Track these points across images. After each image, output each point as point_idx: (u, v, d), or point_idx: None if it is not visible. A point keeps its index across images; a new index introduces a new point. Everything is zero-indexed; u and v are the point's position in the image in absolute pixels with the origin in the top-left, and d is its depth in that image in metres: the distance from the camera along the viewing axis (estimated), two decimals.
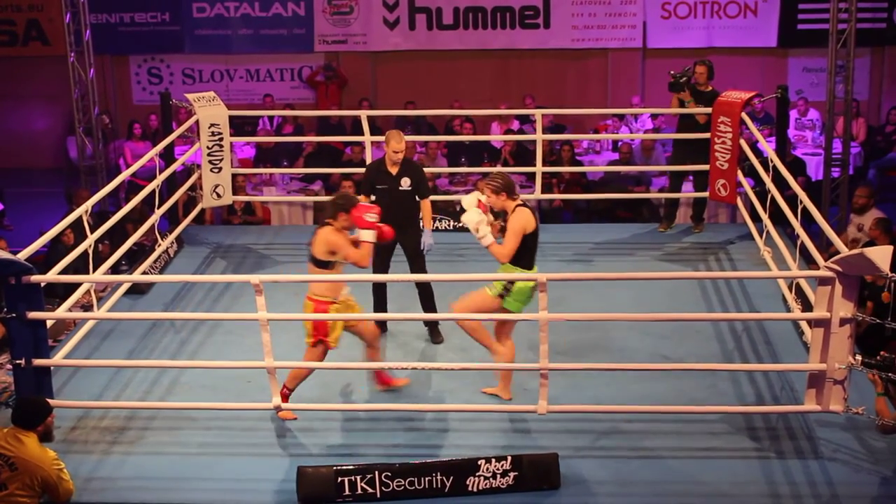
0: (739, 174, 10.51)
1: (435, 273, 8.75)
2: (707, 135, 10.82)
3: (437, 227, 11.22)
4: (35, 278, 6.91)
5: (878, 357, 6.90)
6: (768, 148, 9.94)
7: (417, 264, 8.44)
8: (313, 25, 17.66)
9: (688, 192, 11.37)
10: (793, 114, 15.80)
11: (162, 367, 7.97)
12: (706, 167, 10.88)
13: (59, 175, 16.50)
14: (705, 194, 10.91)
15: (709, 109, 10.80)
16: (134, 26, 17.78)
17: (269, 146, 14.67)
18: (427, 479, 6.41)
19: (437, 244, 10.74)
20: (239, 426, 7.18)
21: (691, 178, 11.26)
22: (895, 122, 15.84)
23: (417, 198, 8.51)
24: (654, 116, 15.44)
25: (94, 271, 8.50)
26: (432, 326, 8.51)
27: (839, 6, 12.41)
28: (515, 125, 15.77)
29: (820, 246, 9.45)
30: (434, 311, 8.37)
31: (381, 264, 8.38)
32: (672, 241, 10.81)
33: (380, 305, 8.54)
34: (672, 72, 10.92)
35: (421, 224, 8.60)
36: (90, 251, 8.37)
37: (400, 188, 8.41)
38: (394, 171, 8.43)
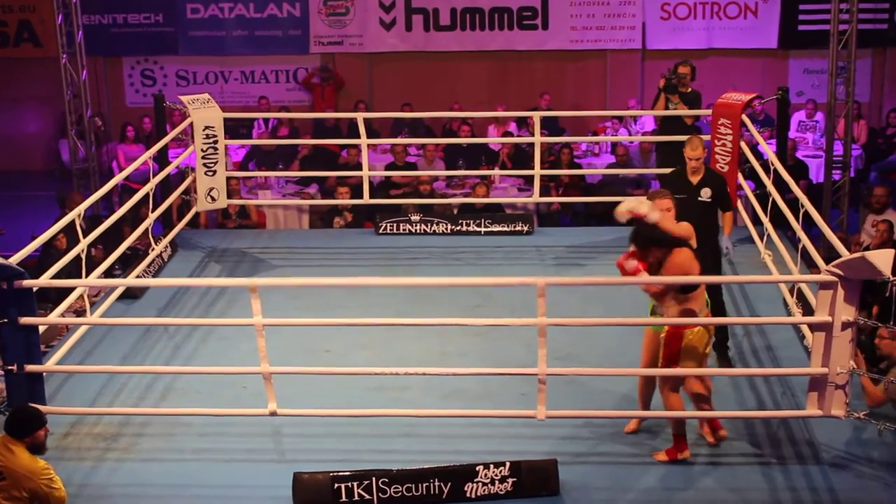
0: (740, 177, 10.52)
1: (432, 277, 8.77)
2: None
3: (434, 231, 11.25)
4: (27, 283, 6.90)
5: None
6: (769, 150, 9.96)
7: (710, 274, 7.71)
8: (309, 26, 17.68)
9: None
10: (799, 115, 15.84)
11: (156, 372, 7.97)
12: None
13: (52, 178, 16.48)
14: None
15: (697, 111, 10.88)
16: (127, 27, 17.80)
17: (265, 149, 14.66)
18: (425, 485, 6.41)
19: (433, 248, 10.84)
20: (234, 432, 7.18)
21: None
22: None
23: (719, 210, 8.23)
24: (657, 119, 15.45)
25: (87, 276, 8.50)
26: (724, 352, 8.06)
27: (840, 7, 12.44)
28: (513, 127, 15.78)
29: (821, 249, 9.47)
30: (726, 337, 8.00)
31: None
32: None
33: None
34: (664, 74, 11.00)
35: (721, 233, 8.34)
36: (83, 255, 8.37)
37: (699, 199, 8.08)
38: (694, 180, 8.14)
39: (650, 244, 6.59)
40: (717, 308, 7.86)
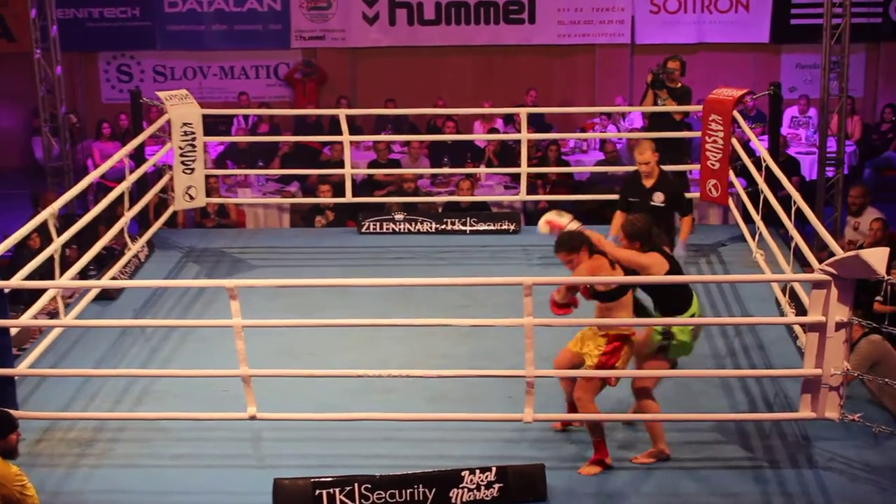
0: (731, 174, 10.53)
1: (416, 278, 8.77)
2: (685, 134, 10.93)
3: (418, 230, 11.23)
4: None
5: None
6: (761, 147, 9.98)
7: None
8: (290, 21, 17.63)
9: None
10: (791, 111, 15.85)
11: (132, 375, 7.94)
12: (684, 167, 10.95)
13: (25, 176, 16.44)
14: (695, 195, 10.93)
15: (686, 107, 10.88)
16: (103, 22, 17.71)
17: (244, 146, 14.62)
18: (409, 491, 6.39)
19: (418, 247, 10.83)
20: (213, 437, 7.16)
21: None
22: (891, 119, 15.89)
23: (677, 214, 8.28)
24: (646, 116, 15.46)
25: (60, 276, 8.46)
26: None
27: (833, 0, 12.45)
28: (499, 124, 15.77)
29: (814, 248, 9.48)
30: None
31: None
32: None
33: None
34: (652, 69, 11.01)
35: (676, 239, 8.44)
36: (57, 256, 8.33)
37: (651, 203, 8.15)
38: (647, 184, 8.19)
39: (569, 250, 6.71)
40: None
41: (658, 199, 8.17)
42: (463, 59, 17.69)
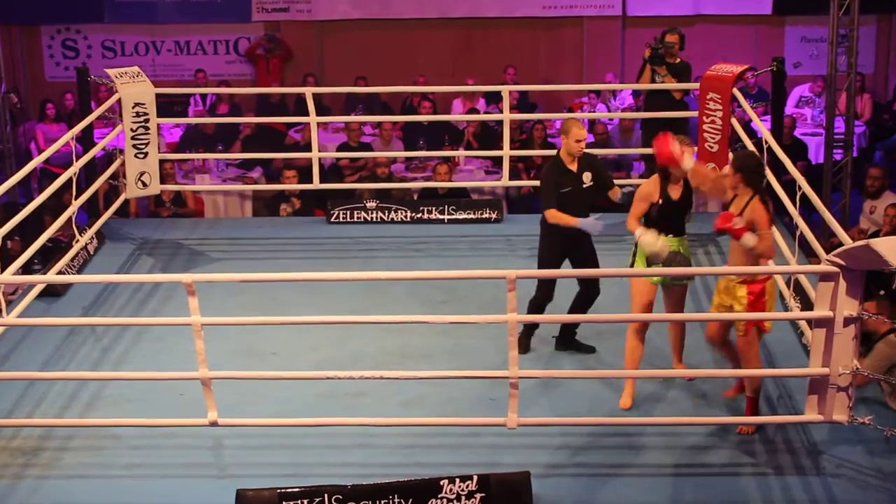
0: (730, 157, 10.56)
1: (390, 271, 8.77)
2: (684, 113, 10.94)
3: (392, 219, 11.25)
4: None
5: None
6: (763, 128, 10.00)
7: (592, 266, 8.26)
8: None
9: None
10: (801, 90, 15.86)
11: (81, 378, 7.93)
12: None
13: None
14: None
15: (686, 84, 10.91)
16: None
17: (203, 128, 14.59)
18: (383, 501, 6.40)
19: (392, 238, 10.85)
20: (170, 445, 7.15)
21: None
22: None
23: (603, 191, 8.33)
24: (636, 94, 15.49)
25: (2, 271, 8.44)
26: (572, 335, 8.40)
27: None
28: (480, 104, 15.77)
29: (821, 237, 9.52)
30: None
31: (552, 264, 8.24)
32: None
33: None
34: (650, 43, 11.03)
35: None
36: None
37: (584, 186, 8.13)
38: (575, 167, 8.11)
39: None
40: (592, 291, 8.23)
41: (587, 178, 8.17)
42: (440, 33, 17.68)
